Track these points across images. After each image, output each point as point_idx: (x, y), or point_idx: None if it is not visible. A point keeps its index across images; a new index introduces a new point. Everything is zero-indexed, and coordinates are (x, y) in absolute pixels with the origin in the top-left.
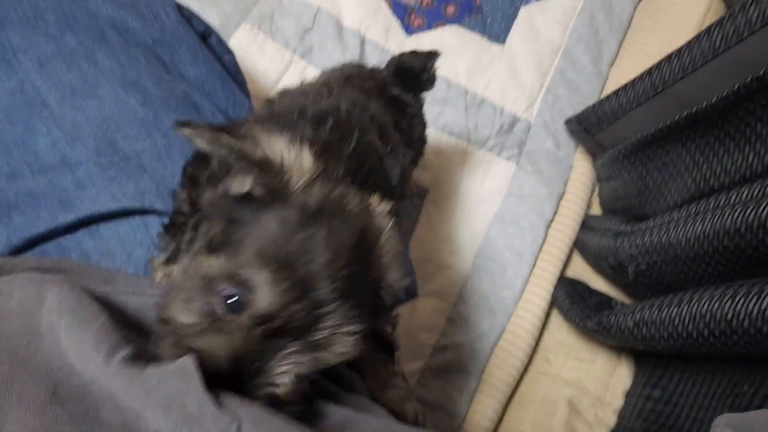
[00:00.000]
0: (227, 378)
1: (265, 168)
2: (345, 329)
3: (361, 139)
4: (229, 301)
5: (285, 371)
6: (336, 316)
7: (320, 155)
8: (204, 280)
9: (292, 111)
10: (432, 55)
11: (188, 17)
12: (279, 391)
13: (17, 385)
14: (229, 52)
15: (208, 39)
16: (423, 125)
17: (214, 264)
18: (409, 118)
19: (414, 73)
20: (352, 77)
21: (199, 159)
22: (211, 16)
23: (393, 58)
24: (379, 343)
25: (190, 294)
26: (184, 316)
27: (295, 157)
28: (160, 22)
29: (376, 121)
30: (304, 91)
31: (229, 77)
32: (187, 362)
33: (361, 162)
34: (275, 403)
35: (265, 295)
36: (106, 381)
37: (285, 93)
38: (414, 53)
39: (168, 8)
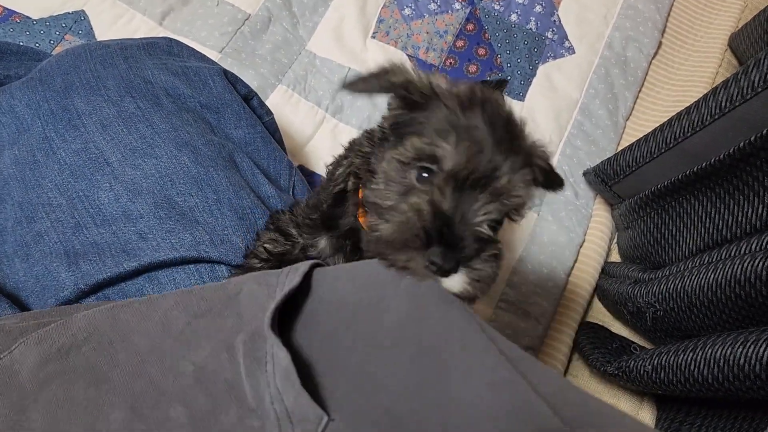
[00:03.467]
0: (440, 231)
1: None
2: (518, 175)
3: None
4: (422, 173)
5: (481, 220)
6: (508, 166)
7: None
8: (399, 164)
9: None
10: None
11: (233, 82)
12: (482, 233)
13: (105, 408)
14: (269, 113)
15: (250, 101)
16: None
17: (405, 147)
18: None
19: None
20: None
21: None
22: (249, 78)
23: None
24: None
25: (390, 178)
26: (387, 198)
27: (433, 78)
28: (207, 88)
29: None
30: None
31: (270, 136)
32: (288, 365)
33: None
34: (482, 241)
35: (450, 156)
36: (231, 374)
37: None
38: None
39: (215, 75)
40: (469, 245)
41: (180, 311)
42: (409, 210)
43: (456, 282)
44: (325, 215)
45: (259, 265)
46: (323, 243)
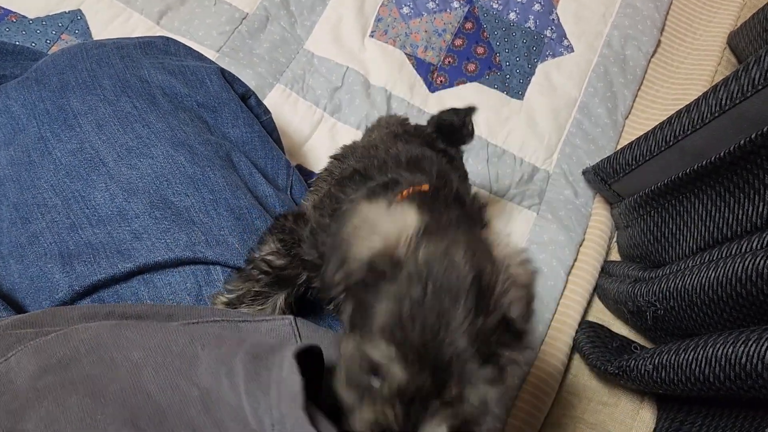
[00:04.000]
0: None
1: (374, 262)
2: (476, 378)
3: (450, 181)
4: (374, 372)
5: (437, 427)
6: (462, 369)
7: (422, 205)
8: (352, 359)
9: (383, 159)
10: (470, 111)
11: (230, 81)
12: None
13: (101, 419)
14: (267, 112)
15: (247, 100)
16: (465, 175)
17: (353, 345)
18: (456, 170)
19: (453, 129)
20: (399, 135)
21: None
22: (247, 77)
23: (433, 117)
24: None
25: (347, 368)
26: (346, 393)
27: (397, 223)
28: (204, 87)
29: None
30: (371, 144)
31: (267, 135)
32: (299, 392)
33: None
34: None
35: (393, 371)
36: (233, 398)
37: (352, 148)
38: (453, 110)
39: (212, 74)
40: None
41: (183, 332)
42: (365, 422)
43: None
44: None
45: (259, 276)
46: None
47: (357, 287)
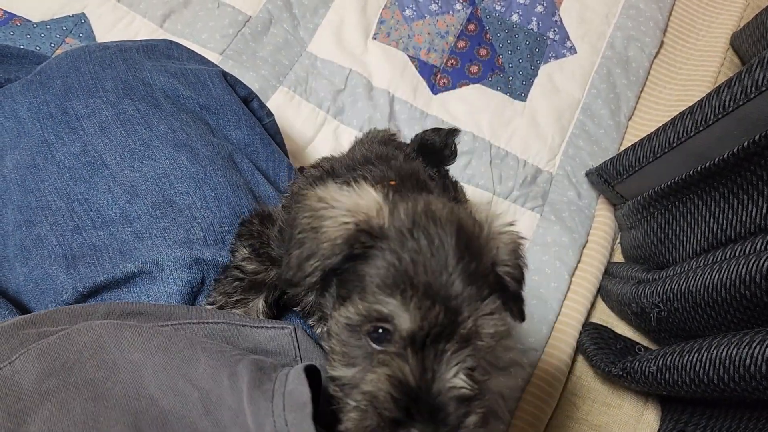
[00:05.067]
0: (413, 402)
1: (349, 238)
2: (483, 311)
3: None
4: (377, 333)
5: (455, 372)
6: (470, 304)
7: (383, 184)
8: (348, 329)
9: (349, 160)
10: (452, 132)
11: (233, 84)
12: (462, 391)
13: (104, 422)
14: (269, 114)
15: (250, 103)
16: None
17: (350, 311)
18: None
19: (435, 149)
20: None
21: (262, 217)
22: (251, 80)
23: (416, 135)
24: None
25: (344, 343)
26: (347, 369)
27: (360, 199)
28: (206, 90)
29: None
30: (345, 155)
31: (269, 137)
32: (308, 401)
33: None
34: (464, 401)
35: (402, 317)
36: (234, 401)
37: (327, 158)
38: (436, 130)
39: (214, 77)
40: (452, 412)
41: (183, 334)
42: (370, 393)
43: None
44: None
45: (234, 283)
46: None
47: (338, 266)
